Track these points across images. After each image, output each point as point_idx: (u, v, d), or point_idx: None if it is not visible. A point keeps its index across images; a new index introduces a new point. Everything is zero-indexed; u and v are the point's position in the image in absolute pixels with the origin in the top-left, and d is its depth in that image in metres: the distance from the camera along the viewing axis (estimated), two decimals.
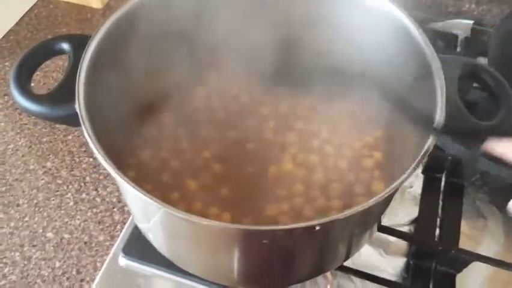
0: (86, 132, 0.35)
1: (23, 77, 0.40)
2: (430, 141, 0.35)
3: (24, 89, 0.39)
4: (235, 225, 0.32)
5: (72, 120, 0.37)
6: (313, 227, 0.31)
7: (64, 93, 0.39)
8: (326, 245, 0.38)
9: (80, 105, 0.36)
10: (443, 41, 0.71)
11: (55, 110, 0.39)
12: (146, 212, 0.38)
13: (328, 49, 0.52)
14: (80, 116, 0.36)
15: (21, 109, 0.39)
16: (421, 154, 0.34)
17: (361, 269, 0.49)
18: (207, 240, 0.36)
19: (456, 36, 0.72)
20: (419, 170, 0.57)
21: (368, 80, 0.50)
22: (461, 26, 0.75)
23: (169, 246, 0.42)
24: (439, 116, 0.37)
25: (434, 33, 0.72)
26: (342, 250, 0.40)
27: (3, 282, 0.50)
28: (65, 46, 0.42)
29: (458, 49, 0.71)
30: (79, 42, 0.41)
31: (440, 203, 0.54)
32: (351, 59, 0.51)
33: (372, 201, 0.31)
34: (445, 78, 0.39)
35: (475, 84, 0.46)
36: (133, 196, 0.36)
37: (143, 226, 0.43)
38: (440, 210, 0.54)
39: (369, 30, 0.47)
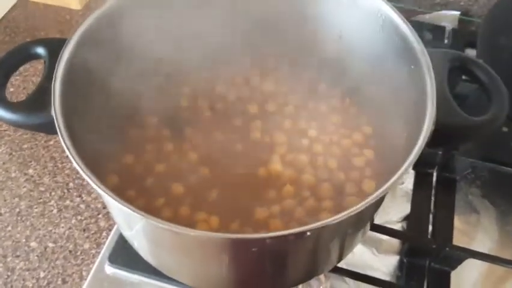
0: (62, 140, 0.33)
1: None
2: (421, 141, 0.34)
3: None
4: (221, 235, 0.30)
5: (50, 128, 0.35)
6: (303, 232, 0.29)
7: (39, 99, 0.37)
8: (318, 249, 0.37)
9: (56, 112, 0.35)
10: (431, 33, 0.70)
11: (31, 118, 0.37)
12: (128, 222, 0.37)
13: (314, 43, 0.51)
14: (56, 123, 0.34)
15: None
16: (413, 154, 0.33)
17: (354, 269, 0.48)
18: (192, 249, 0.34)
19: (443, 28, 0.72)
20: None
21: (357, 75, 0.50)
22: (448, 18, 0.74)
23: (154, 254, 0.41)
24: (430, 111, 0.36)
25: (421, 26, 0.71)
26: (335, 252, 0.39)
27: None
28: (41, 50, 0.41)
29: (446, 41, 0.70)
30: (55, 47, 0.40)
31: (432, 198, 0.54)
32: (339, 55, 0.50)
33: (362, 205, 0.30)
34: (434, 73, 0.38)
35: (463, 77, 0.45)
36: (112, 205, 0.35)
37: (127, 234, 0.42)
38: (432, 206, 0.53)
39: (356, 27, 0.46)
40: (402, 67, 0.42)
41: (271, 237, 0.29)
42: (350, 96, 0.52)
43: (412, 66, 0.40)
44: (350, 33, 0.48)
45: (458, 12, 0.74)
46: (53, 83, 0.36)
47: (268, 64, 0.53)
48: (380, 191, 0.31)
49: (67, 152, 0.33)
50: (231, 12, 0.49)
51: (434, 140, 0.36)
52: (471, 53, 0.67)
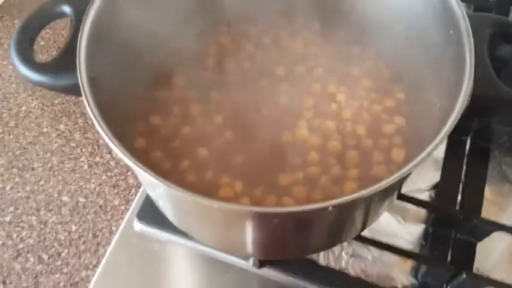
0: (87, 104, 0.33)
1: (24, 44, 0.38)
2: (455, 114, 0.32)
3: (26, 57, 0.38)
4: (243, 207, 0.30)
5: (77, 90, 0.35)
6: (325, 208, 0.29)
7: (66, 60, 0.37)
8: (342, 220, 0.36)
9: (81, 73, 0.35)
10: None
11: (58, 80, 0.37)
12: (151, 185, 0.37)
13: (348, 2, 0.49)
14: (81, 86, 0.34)
15: (23, 78, 0.38)
16: (447, 126, 0.32)
17: (378, 236, 0.47)
18: (214, 216, 0.35)
19: None
20: None
21: (393, 37, 0.47)
22: None
23: (176, 217, 0.41)
24: (467, 83, 0.34)
25: None
26: (359, 222, 0.39)
27: (21, 245, 0.51)
28: (66, 9, 0.40)
29: None
30: (81, 5, 0.39)
31: (464, 167, 0.52)
32: (375, 16, 0.48)
33: (391, 180, 0.29)
34: (474, 39, 0.36)
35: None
36: (135, 169, 0.35)
37: (151, 195, 0.43)
38: (463, 176, 0.51)
39: None
40: (440, 31, 0.39)
41: (292, 212, 0.28)
42: (384, 60, 0.49)
43: (451, 31, 0.38)
44: None
45: None
46: (78, 45, 0.35)
47: (298, 24, 0.51)
48: (411, 165, 0.30)
49: (91, 116, 0.33)
50: None
51: (469, 112, 0.34)
52: None
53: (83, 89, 0.34)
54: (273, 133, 0.45)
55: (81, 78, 0.34)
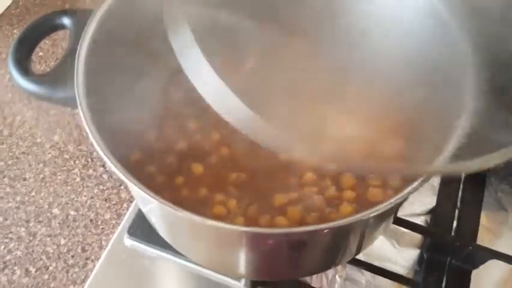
0: (83, 116, 0.33)
1: (22, 55, 0.38)
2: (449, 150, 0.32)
3: (23, 68, 0.37)
4: (236, 227, 0.30)
5: (73, 103, 0.35)
6: (321, 230, 0.29)
7: (64, 72, 0.37)
8: (337, 243, 0.36)
9: (78, 86, 0.34)
10: None
11: (55, 92, 0.37)
12: (143, 201, 0.37)
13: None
14: (78, 100, 0.34)
15: (20, 89, 0.37)
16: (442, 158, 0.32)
17: (372, 260, 0.47)
18: (206, 235, 0.34)
19: None
20: None
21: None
22: None
23: (168, 233, 0.41)
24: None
25: None
26: (354, 246, 0.39)
27: (8, 257, 0.50)
28: (66, 21, 0.40)
29: None
30: (81, 17, 0.39)
31: (460, 193, 0.52)
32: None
33: (387, 205, 0.29)
34: None
35: None
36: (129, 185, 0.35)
37: (144, 210, 0.42)
38: (459, 202, 0.51)
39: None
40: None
41: (286, 233, 0.28)
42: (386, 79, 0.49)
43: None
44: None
45: None
46: (76, 59, 0.35)
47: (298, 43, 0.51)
48: (407, 190, 0.30)
49: (87, 130, 0.32)
50: None
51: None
52: None
53: (80, 101, 0.33)
54: (269, 151, 0.45)
55: (78, 91, 0.34)
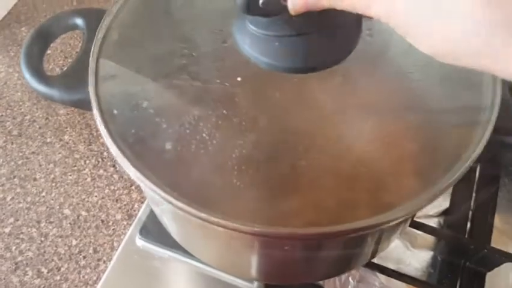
0: (98, 118, 0.32)
1: (34, 56, 0.38)
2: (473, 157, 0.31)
3: (36, 69, 0.37)
4: (247, 227, 0.29)
5: (86, 105, 0.35)
6: (336, 233, 0.28)
7: (77, 74, 0.37)
8: (351, 247, 0.35)
9: (92, 88, 0.34)
10: None
11: (67, 94, 0.37)
12: (156, 201, 0.36)
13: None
14: (93, 104, 0.33)
15: (32, 90, 0.37)
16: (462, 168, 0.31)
17: (386, 262, 0.46)
18: (219, 236, 0.34)
19: None
20: None
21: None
22: None
23: (181, 235, 0.40)
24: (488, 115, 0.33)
25: None
26: (369, 250, 0.38)
27: (20, 258, 0.49)
28: (79, 21, 0.40)
29: None
30: (94, 18, 0.39)
31: (473, 195, 0.51)
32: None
33: (401, 215, 0.29)
34: None
35: None
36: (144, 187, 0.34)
37: (155, 210, 0.42)
38: (472, 203, 0.50)
39: None
40: None
41: (300, 234, 0.28)
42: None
43: None
44: None
45: None
46: (90, 60, 0.35)
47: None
48: (428, 196, 0.30)
49: (99, 126, 0.32)
50: None
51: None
52: None
53: (94, 101, 0.33)
54: (286, 153, 0.44)
55: (92, 90, 0.33)
